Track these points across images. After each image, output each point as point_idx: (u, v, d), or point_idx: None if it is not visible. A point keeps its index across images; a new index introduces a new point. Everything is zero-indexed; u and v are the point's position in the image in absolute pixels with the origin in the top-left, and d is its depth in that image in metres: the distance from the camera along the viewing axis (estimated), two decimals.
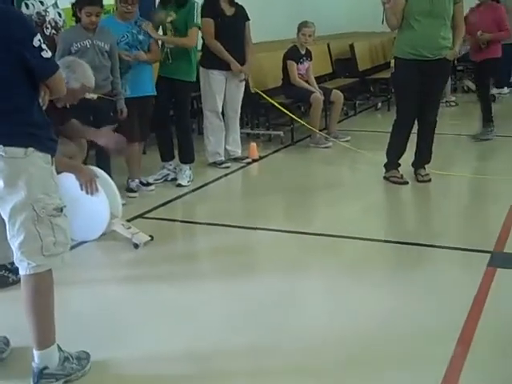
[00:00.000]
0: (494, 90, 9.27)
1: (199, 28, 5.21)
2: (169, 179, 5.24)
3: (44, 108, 2.42)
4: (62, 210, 2.39)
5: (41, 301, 2.37)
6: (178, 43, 5.10)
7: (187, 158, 5.37)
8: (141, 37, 4.84)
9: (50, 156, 2.38)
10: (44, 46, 2.30)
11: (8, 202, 2.30)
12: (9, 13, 2.28)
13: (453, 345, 2.68)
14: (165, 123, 5.36)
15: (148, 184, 5.08)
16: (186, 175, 5.27)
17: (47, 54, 2.31)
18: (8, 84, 2.28)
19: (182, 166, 5.33)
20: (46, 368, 2.40)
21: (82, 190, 3.70)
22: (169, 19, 5.09)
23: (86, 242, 3.91)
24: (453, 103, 8.64)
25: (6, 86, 2.28)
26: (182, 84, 5.17)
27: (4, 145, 2.26)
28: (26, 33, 2.27)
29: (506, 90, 9.56)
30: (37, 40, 2.27)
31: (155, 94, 5.01)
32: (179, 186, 5.18)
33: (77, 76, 3.79)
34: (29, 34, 2.27)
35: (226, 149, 5.92)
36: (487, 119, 6.68)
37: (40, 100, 2.39)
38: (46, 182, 2.36)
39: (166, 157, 5.38)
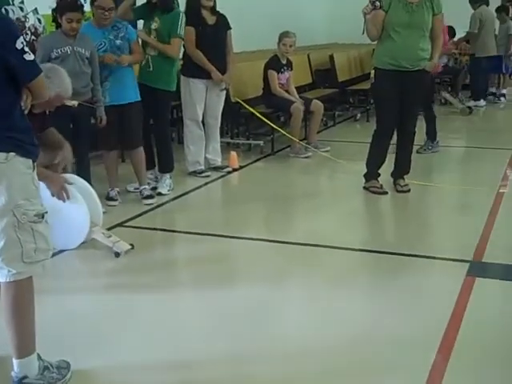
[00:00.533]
0: (470, 103, 9.44)
1: (182, 39, 5.21)
2: (149, 188, 5.19)
3: (26, 112, 2.39)
4: (43, 217, 2.36)
5: (21, 308, 2.33)
6: (160, 49, 5.08)
7: (166, 167, 5.35)
8: (118, 42, 4.79)
9: (31, 161, 2.35)
10: (27, 49, 2.27)
11: None
12: None
13: (434, 353, 2.69)
14: (145, 132, 5.33)
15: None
16: (166, 184, 5.26)
17: (30, 56, 2.28)
18: None
19: (162, 175, 5.31)
20: (25, 377, 2.36)
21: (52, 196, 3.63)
22: (154, 26, 5.08)
23: (65, 250, 3.87)
24: None
25: None
26: (162, 93, 5.15)
27: None
28: (8, 35, 2.24)
29: (482, 102, 9.70)
30: (20, 42, 2.24)
31: (139, 99, 4.94)
32: (159, 194, 5.15)
33: (53, 85, 3.73)
34: (12, 36, 2.24)
35: (205, 158, 5.92)
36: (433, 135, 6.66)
37: (22, 104, 2.36)
38: (27, 187, 2.33)
39: (147, 165, 5.34)
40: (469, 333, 2.88)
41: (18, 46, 2.24)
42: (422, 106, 6.41)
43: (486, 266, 3.71)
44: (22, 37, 2.28)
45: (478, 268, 3.64)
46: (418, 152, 6.24)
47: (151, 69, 5.12)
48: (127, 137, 4.93)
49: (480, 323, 2.98)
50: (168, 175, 5.32)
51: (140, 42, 5.21)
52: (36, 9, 5.85)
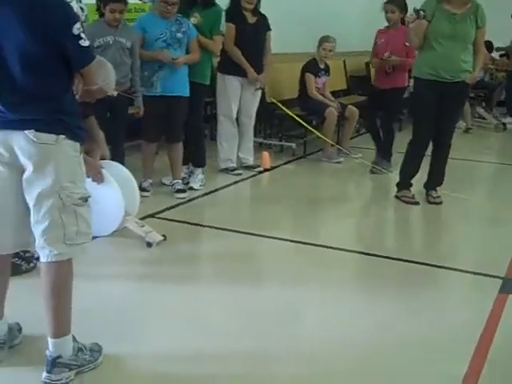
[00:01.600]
0: (507, 119, 9.30)
1: (223, 36, 5.25)
2: (184, 182, 5.21)
3: (77, 97, 2.42)
4: (86, 200, 2.39)
5: (60, 289, 2.36)
6: (203, 43, 5.08)
7: (199, 161, 5.37)
8: (179, 35, 4.81)
9: (79, 145, 2.38)
10: (83, 35, 2.28)
11: (35, 188, 2.29)
12: None
13: (462, 372, 2.62)
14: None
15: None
16: (198, 179, 5.28)
17: (85, 42, 2.30)
18: (45, 71, 2.27)
19: (195, 170, 5.33)
20: (59, 357, 2.38)
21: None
22: (193, 20, 5.09)
23: (97, 236, 3.89)
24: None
25: (42, 72, 2.27)
26: (197, 86, 5.14)
27: (36, 130, 2.25)
28: (66, 20, 2.26)
29: None
30: (76, 28, 2.26)
31: (187, 95, 4.93)
32: (191, 189, 5.17)
33: (98, 76, 3.75)
34: (69, 21, 2.26)
35: (238, 156, 5.92)
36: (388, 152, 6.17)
37: (73, 89, 2.39)
38: (74, 170, 2.36)
39: (183, 161, 5.34)
40: (501, 351, 2.84)
41: (75, 31, 2.25)
42: (387, 119, 6.21)
43: None
44: (78, 22, 2.29)
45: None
46: (372, 172, 6.06)
47: None
48: (170, 130, 4.95)
49: None
50: (200, 170, 5.34)
51: None
52: None
